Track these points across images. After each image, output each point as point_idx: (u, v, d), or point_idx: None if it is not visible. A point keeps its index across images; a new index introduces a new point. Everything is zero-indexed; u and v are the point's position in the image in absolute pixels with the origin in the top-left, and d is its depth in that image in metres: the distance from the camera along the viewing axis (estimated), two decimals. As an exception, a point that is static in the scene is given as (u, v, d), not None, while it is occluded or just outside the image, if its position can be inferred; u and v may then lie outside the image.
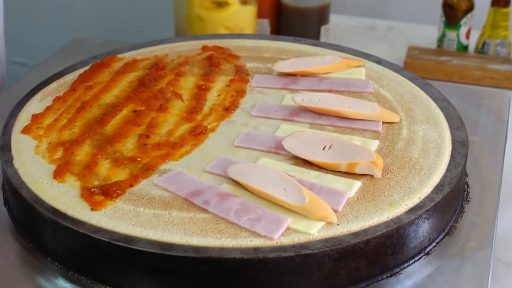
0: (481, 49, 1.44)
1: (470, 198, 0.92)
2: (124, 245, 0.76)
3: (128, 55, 1.14)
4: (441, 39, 1.45)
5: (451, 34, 1.43)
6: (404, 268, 0.81)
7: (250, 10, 1.45)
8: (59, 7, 2.12)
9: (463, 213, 0.89)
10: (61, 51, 1.34)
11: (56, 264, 0.82)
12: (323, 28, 1.50)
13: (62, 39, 1.45)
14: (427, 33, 1.55)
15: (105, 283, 0.79)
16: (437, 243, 0.85)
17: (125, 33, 1.99)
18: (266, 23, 1.54)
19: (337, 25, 1.60)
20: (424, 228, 0.81)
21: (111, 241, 0.76)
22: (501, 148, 1.01)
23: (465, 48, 1.45)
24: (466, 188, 0.93)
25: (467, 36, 1.44)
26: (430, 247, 0.84)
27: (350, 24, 1.63)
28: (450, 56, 1.41)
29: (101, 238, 0.77)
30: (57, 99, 1.01)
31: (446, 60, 1.40)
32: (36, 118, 0.96)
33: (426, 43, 1.51)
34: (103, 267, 0.79)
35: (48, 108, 0.99)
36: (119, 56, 1.13)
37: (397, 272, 0.80)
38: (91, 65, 1.10)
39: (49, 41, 1.99)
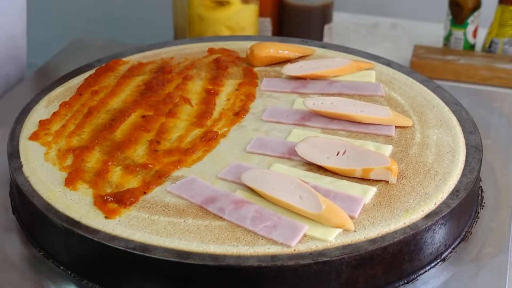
0: (489, 48, 1.43)
1: (484, 203, 0.91)
2: (141, 253, 0.75)
3: (133, 59, 1.13)
4: (447, 38, 1.44)
5: (457, 33, 1.42)
6: (420, 274, 0.81)
7: (251, 9, 1.44)
8: (54, 7, 2.10)
9: (478, 218, 0.89)
10: (61, 53, 1.33)
11: (69, 273, 0.81)
12: (326, 27, 1.49)
13: (58, 38, 1.43)
14: (432, 30, 1.54)
15: (120, 292, 0.78)
16: (453, 249, 0.84)
17: (122, 33, 1.97)
18: (268, 22, 1.53)
19: (339, 23, 1.59)
20: (440, 234, 0.81)
21: (127, 250, 0.75)
22: (514, 151, 1.01)
23: (472, 47, 1.44)
24: (480, 193, 0.93)
25: (474, 35, 1.43)
26: (446, 253, 0.83)
27: (353, 22, 1.62)
28: (457, 55, 1.40)
29: (117, 247, 0.76)
30: (63, 105, 1.00)
31: (453, 59, 1.39)
32: (43, 124, 0.95)
33: (431, 42, 1.50)
34: (119, 276, 0.78)
35: (55, 114, 0.98)
36: (124, 59, 1.12)
37: (414, 279, 0.80)
38: (96, 69, 1.09)
39: (46, 40, 1.97)
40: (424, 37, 1.53)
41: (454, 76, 1.38)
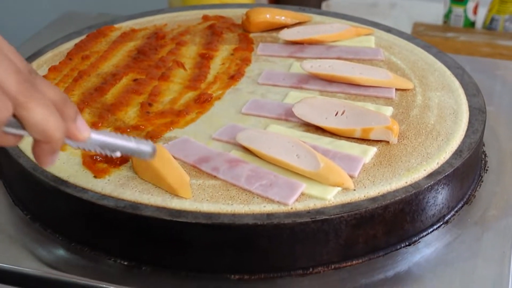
0: (489, 25, 1.40)
1: (488, 167, 0.88)
2: (131, 211, 0.72)
3: (126, 25, 1.09)
4: (447, 15, 1.41)
5: (458, 10, 1.39)
6: (423, 236, 0.78)
7: (248, -16, 1.41)
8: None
9: (482, 182, 0.86)
10: (52, 24, 1.29)
11: (57, 235, 0.78)
12: (324, 4, 1.47)
13: (47, 11, 1.39)
14: (431, 10, 1.51)
15: (110, 254, 0.75)
16: (456, 211, 0.81)
17: (115, 8, 1.93)
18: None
19: (337, 1, 1.56)
20: (443, 195, 0.78)
21: (117, 208, 0.72)
22: (517, 117, 0.98)
23: (472, 24, 1.41)
24: (484, 157, 0.90)
25: (475, 12, 1.40)
26: (449, 216, 0.80)
27: (352, 1, 1.59)
28: (457, 32, 1.38)
29: (107, 205, 0.72)
30: (52, 69, 0.97)
31: (453, 36, 1.37)
32: (32, 86, 0.92)
33: (431, 21, 1.47)
34: (108, 237, 0.75)
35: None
36: (116, 26, 1.09)
37: (416, 241, 0.77)
38: (86, 34, 1.06)
39: (28, 22, 1.93)
40: (424, 16, 1.51)
41: (454, 53, 1.35)
